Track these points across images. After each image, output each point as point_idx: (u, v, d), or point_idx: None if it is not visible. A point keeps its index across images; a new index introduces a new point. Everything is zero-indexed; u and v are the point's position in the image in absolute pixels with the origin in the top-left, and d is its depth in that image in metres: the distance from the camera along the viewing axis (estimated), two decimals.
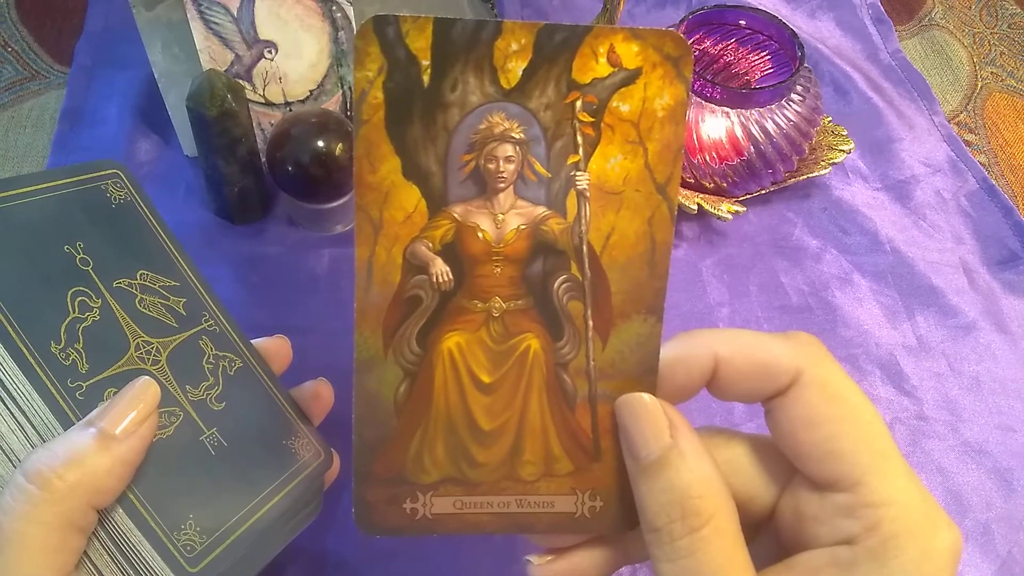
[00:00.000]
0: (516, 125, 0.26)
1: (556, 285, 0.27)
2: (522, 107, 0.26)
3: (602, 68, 0.26)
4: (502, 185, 0.26)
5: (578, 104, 0.26)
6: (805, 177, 0.59)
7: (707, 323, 0.54)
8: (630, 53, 0.26)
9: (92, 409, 0.28)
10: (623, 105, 0.26)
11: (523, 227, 0.27)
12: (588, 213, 0.26)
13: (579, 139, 0.26)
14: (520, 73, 0.25)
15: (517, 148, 0.26)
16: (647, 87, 0.26)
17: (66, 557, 0.26)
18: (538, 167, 0.26)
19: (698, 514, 0.24)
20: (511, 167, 0.26)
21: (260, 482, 0.32)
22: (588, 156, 0.26)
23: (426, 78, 0.25)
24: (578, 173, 0.26)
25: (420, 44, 0.25)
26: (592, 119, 0.26)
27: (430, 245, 0.26)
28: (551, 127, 0.26)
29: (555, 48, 0.25)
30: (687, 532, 0.24)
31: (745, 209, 0.57)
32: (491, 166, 0.26)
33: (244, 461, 0.32)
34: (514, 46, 0.25)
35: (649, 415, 0.26)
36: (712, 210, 0.56)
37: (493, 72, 0.25)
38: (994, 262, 0.59)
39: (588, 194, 0.26)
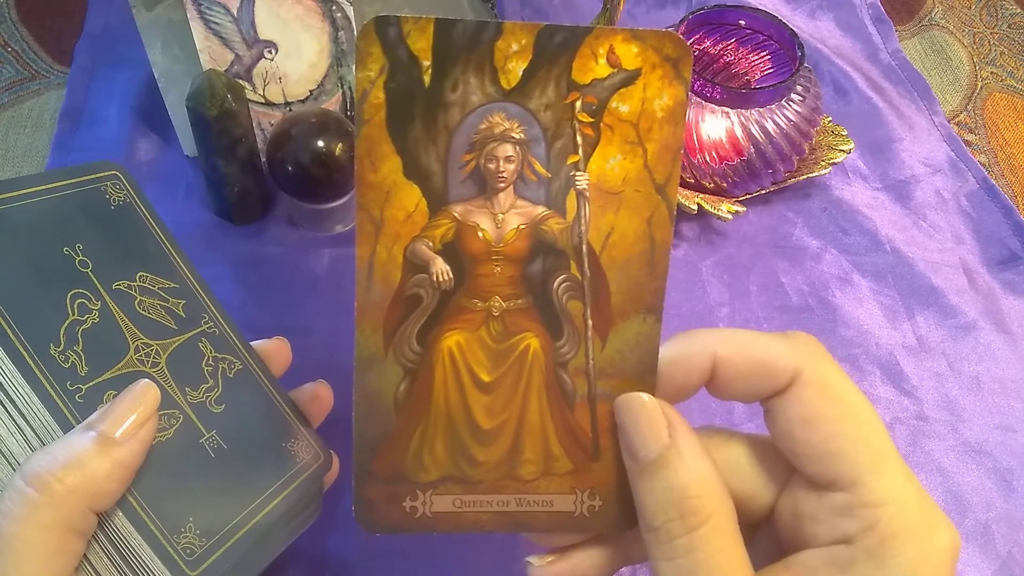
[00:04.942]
0: (516, 125, 0.26)
1: (556, 284, 0.27)
2: (522, 107, 0.26)
3: (602, 69, 0.26)
4: (502, 185, 0.26)
5: (578, 104, 0.26)
6: (805, 177, 0.59)
7: (707, 323, 0.54)
8: (630, 54, 0.26)
9: (91, 412, 0.28)
10: (622, 106, 0.26)
11: (523, 227, 0.27)
12: (588, 213, 0.27)
13: (579, 139, 0.26)
14: (520, 73, 0.26)
15: (517, 148, 0.26)
16: (646, 88, 0.26)
17: (65, 561, 0.26)
18: (538, 167, 0.26)
19: (696, 513, 0.24)
20: (511, 167, 0.26)
21: (260, 484, 0.32)
22: (588, 156, 0.26)
23: (427, 78, 0.25)
24: (578, 173, 0.26)
25: (421, 45, 0.25)
26: (592, 119, 0.26)
27: (430, 244, 0.26)
28: (551, 127, 0.26)
29: (555, 49, 0.25)
30: (685, 531, 0.24)
31: (745, 209, 0.57)
32: (491, 166, 0.26)
33: (244, 463, 0.32)
34: (514, 47, 0.25)
35: (647, 415, 0.26)
36: (712, 210, 0.56)
37: (494, 72, 0.26)
38: (994, 262, 0.59)
39: (588, 194, 0.26)
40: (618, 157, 0.26)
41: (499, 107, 0.26)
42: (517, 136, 0.26)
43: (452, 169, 0.26)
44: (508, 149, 0.26)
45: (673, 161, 0.26)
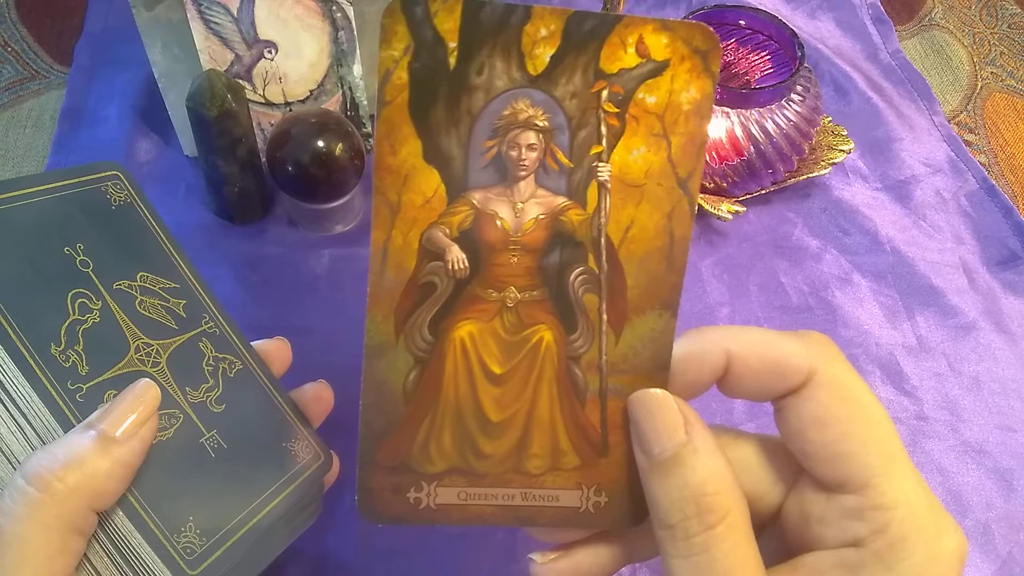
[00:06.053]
0: (541, 112, 0.25)
1: (572, 277, 0.27)
2: (547, 94, 0.25)
3: (630, 58, 0.25)
4: (523, 173, 0.26)
5: (604, 94, 0.26)
6: (805, 177, 0.59)
7: (707, 323, 0.54)
8: (659, 44, 0.25)
9: (92, 411, 0.28)
10: (649, 97, 0.26)
11: (542, 217, 0.26)
12: (608, 205, 0.26)
13: (603, 129, 0.26)
14: (548, 59, 0.25)
15: (540, 136, 0.26)
16: (674, 79, 0.26)
17: (66, 560, 0.26)
18: (560, 156, 0.26)
19: (713, 511, 0.24)
20: (533, 155, 0.26)
21: (260, 484, 0.32)
22: (611, 147, 0.26)
23: (452, 60, 0.25)
24: (600, 164, 0.26)
25: (448, 25, 0.24)
26: (617, 109, 0.26)
27: (447, 231, 0.26)
28: (576, 116, 0.26)
29: (584, 36, 0.25)
30: (703, 529, 0.24)
31: (745, 209, 0.57)
32: (513, 153, 0.26)
33: (244, 463, 0.31)
34: (543, 32, 0.25)
35: (664, 411, 0.26)
36: (712, 210, 0.56)
37: (520, 57, 0.25)
38: (994, 262, 0.59)
39: (609, 186, 0.26)
40: (642, 149, 0.26)
41: (524, 93, 0.25)
42: (541, 124, 0.26)
43: (473, 155, 0.26)
44: (531, 137, 0.26)
45: (697, 155, 0.26)
